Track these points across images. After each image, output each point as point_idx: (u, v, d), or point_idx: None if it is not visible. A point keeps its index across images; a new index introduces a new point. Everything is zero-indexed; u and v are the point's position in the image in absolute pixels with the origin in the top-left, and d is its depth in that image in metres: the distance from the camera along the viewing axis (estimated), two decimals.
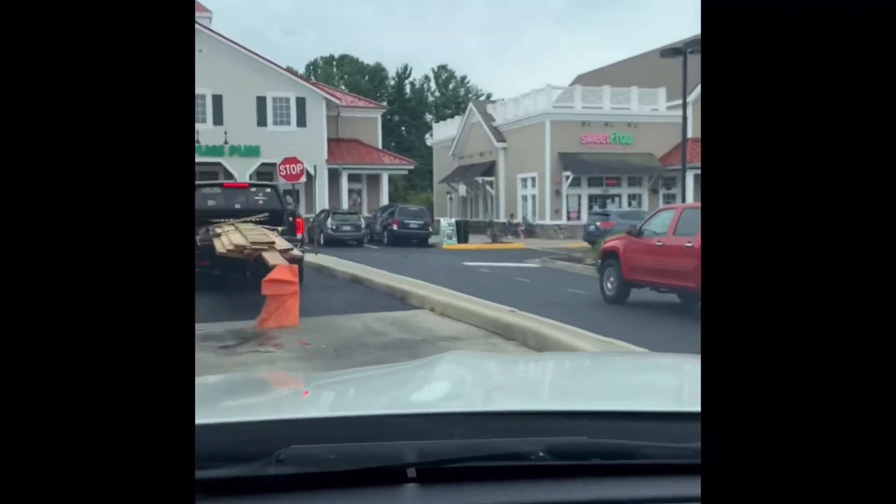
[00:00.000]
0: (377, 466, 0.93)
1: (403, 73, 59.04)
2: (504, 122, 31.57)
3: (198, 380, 1.82)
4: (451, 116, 43.30)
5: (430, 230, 25.34)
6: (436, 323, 7.65)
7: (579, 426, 1.02)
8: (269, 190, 12.03)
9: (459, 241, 24.83)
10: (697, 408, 0.87)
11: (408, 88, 59.03)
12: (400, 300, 9.46)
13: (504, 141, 31.55)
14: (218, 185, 12.98)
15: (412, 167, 33.13)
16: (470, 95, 55.49)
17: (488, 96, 50.72)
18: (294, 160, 17.32)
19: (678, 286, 9.09)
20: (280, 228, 10.59)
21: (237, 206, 11.39)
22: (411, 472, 0.94)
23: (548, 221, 28.50)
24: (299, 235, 11.17)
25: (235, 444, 0.97)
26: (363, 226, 24.80)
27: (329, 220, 24.01)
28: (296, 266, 8.04)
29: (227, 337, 6.91)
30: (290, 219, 11.23)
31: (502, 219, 30.52)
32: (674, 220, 9.33)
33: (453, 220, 26.94)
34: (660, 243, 9.37)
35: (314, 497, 0.92)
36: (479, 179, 32.45)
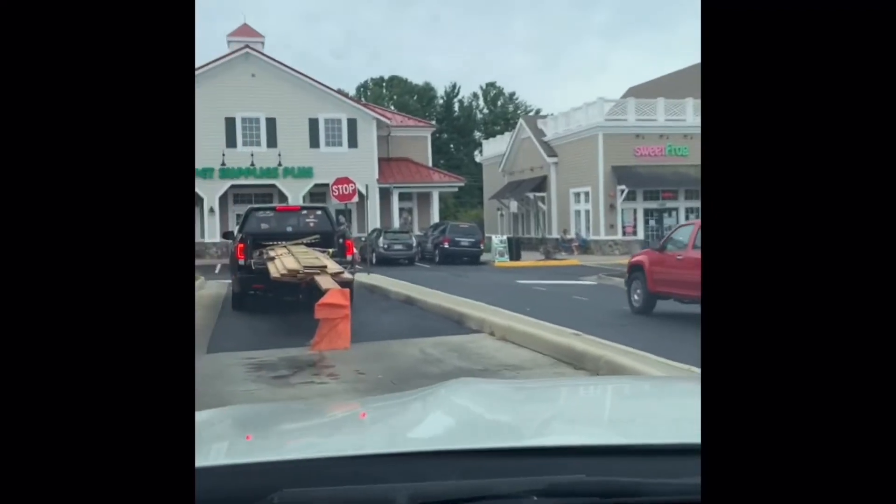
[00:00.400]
0: None
1: (452, 92, 59.25)
2: (555, 136, 31.12)
3: (219, 410, 1.64)
4: (500, 133, 43.09)
5: (482, 247, 25.04)
6: (496, 349, 7.28)
7: (578, 463, 0.98)
8: (319, 212, 12.00)
9: (511, 259, 24.42)
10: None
11: (456, 106, 59.15)
12: (456, 323, 9.15)
13: (555, 155, 31.08)
14: (271, 208, 13.13)
15: (462, 184, 32.97)
16: (519, 111, 55.23)
17: (537, 112, 50.31)
18: (346, 180, 17.42)
19: (697, 297, 9.12)
20: (331, 250, 10.48)
21: (289, 228, 11.41)
22: None
23: (602, 237, 27.84)
24: (349, 257, 11.01)
25: (227, 488, 0.96)
26: (414, 244, 24.69)
27: (381, 240, 24.04)
28: (347, 290, 7.94)
29: (280, 366, 6.71)
30: (340, 240, 11.12)
31: (555, 235, 29.95)
32: (692, 234, 9.74)
33: (505, 237, 26.48)
34: (680, 257, 9.74)
35: None
36: (531, 195, 32.01)
